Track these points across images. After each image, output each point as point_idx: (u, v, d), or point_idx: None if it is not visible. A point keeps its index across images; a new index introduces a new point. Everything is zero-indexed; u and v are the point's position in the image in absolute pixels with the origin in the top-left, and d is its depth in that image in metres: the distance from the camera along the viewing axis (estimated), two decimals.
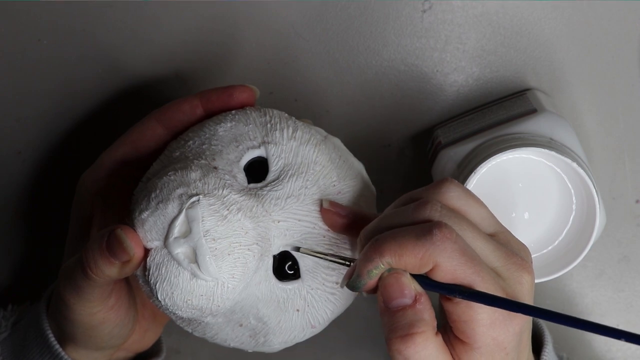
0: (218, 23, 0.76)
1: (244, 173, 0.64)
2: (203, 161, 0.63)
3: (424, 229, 0.57)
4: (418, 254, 0.57)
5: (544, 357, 0.69)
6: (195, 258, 0.59)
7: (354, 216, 0.64)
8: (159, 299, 0.60)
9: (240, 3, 0.76)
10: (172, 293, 0.60)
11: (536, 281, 0.71)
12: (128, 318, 0.66)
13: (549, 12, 0.76)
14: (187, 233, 0.59)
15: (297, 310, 0.65)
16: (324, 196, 0.64)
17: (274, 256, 0.63)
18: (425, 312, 0.58)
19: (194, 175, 0.61)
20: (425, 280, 0.59)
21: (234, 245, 0.60)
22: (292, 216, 0.63)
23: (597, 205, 0.69)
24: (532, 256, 0.72)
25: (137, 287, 0.68)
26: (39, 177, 0.79)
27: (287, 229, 0.63)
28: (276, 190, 0.63)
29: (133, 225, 0.61)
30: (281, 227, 0.63)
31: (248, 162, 0.64)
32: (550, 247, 0.72)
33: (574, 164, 0.68)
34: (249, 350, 0.67)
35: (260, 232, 0.61)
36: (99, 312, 0.64)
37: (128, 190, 0.67)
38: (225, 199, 0.60)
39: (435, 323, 0.58)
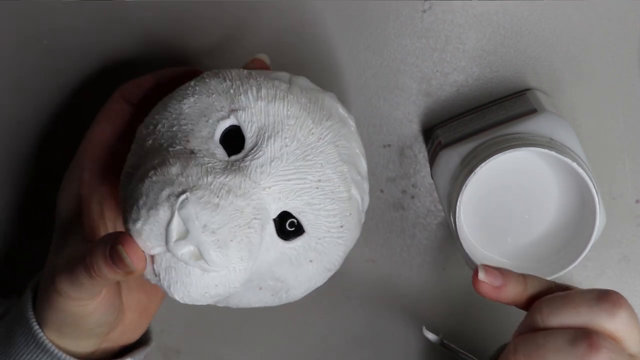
0: (215, 25, 0.76)
1: (221, 147, 0.63)
2: (178, 147, 0.62)
3: None
4: None
5: None
6: (200, 254, 0.59)
7: (509, 283, 0.62)
8: (177, 299, 0.60)
9: (240, 3, 0.76)
10: (188, 292, 0.60)
11: None
12: (114, 307, 0.67)
13: (549, 12, 0.76)
14: (186, 233, 0.59)
15: (311, 261, 0.64)
16: (305, 147, 0.63)
17: (274, 220, 0.63)
18: None
19: (174, 169, 0.60)
20: None
21: (234, 230, 0.59)
22: (281, 178, 0.62)
23: (597, 205, 0.69)
24: (532, 256, 0.72)
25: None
26: (40, 179, 0.79)
27: (280, 192, 0.62)
28: (258, 158, 0.62)
29: (131, 235, 0.60)
30: (273, 192, 0.62)
31: (222, 134, 0.63)
32: (550, 247, 0.72)
33: (574, 164, 0.68)
34: (274, 306, 0.67)
35: (255, 205, 0.61)
36: (91, 303, 0.65)
37: (111, 181, 0.68)
38: (212, 185, 0.60)
39: None
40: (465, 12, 0.76)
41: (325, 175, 0.64)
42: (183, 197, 0.59)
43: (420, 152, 0.78)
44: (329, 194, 0.64)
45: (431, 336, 0.71)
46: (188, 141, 0.62)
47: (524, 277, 0.62)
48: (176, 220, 0.59)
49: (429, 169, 0.78)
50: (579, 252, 0.70)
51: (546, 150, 0.68)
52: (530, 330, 0.60)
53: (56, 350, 0.67)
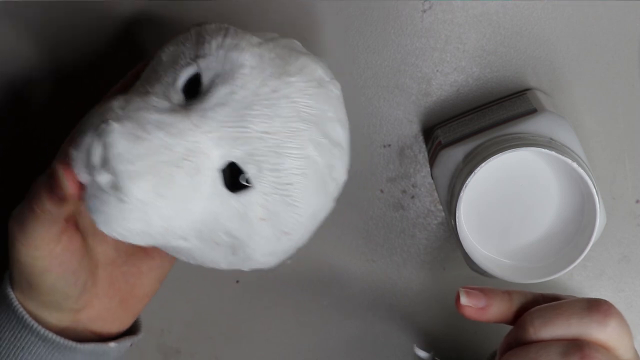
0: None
1: (181, 93, 0.62)
2: (141, 89, 0.62)
3: None
4: None
5: None
6: (117, 184, 0.59)
7: (493, 302, 0.62)
8: (103, 230, 0.60)
9: (240, 3, 0.76)
10: (109, 223, 0.60)
11: (536, 281, 0.71)
12: (75, 276, 0.66)
13: (549, 12, 0.76)
14: (107, 161, 0.59)
15: (263, 219, 0.63)
16: (255, 97, 0.62)
17: (223, 170, 0.62)
18: None
19: (117, 103, 0.60)
20: None
21: (155, 165, 0.59)
22: (223, 125, 0.61)
23: (597, 205, 0.69)
24: (532, 256, 0.72)
25: (107, 260, 0.69)
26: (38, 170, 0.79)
27: (220, 138, 0.61)
28: (202, 102, 0.61)
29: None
30: (214, 138, 0.61)
31: (186, 81, 0.63)
32: (550, 247, 0.72)
33: (574, 164, 0.68)
34: (245, 269, 0.65)
35: (189, 146, 0.60)
36: (42, 257, 0.65)
37: None
38: (143, 120, 0.59)
39: None
40: (465, 12, 0.76)
41: (273, 128, 0.62)
42: (104, 125, 0.59)
43: (420, 152, 0.78)
44: (273, 147, 0.62)
45: (423, 354, 0.71)
46: (153, 86, 0.63)
47: (509, 293, 0.62)
48: (96, 147, 0.59)
49: (429, 169, 0.78)
50: (579, 252, 0.70)
51: (546, 150, 0.68)
52: (521, 344, 0.60)
53: (36, 325, 0.67)
